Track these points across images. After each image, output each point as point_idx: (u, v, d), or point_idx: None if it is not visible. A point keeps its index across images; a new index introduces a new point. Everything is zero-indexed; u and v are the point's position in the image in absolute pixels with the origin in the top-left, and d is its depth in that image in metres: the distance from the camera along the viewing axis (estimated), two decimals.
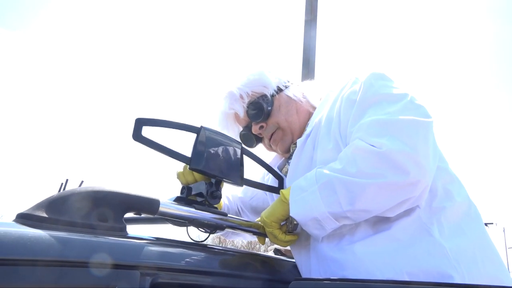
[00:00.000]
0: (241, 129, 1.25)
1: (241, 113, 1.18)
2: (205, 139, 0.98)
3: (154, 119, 0.94)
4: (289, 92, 1.22)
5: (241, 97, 1.17)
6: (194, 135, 0.99)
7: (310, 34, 4.05)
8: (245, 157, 1.07)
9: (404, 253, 0.94)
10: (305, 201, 0.96)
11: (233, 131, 1.25)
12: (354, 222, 0.97)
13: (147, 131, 0.92)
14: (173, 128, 0.97)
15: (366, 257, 0.96)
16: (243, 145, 1.09)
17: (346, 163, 0.94)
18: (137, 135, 0.90)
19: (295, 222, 1.00)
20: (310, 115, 1.23)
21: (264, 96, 1.19)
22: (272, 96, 1.19)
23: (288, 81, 1.25)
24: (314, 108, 1.24)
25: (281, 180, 1.15)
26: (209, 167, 0.96)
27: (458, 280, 0.90)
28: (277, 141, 1.22)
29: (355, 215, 0.93)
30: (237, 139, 1.18)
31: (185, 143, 1.00)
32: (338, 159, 0.98)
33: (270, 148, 1.27)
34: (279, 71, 1.24)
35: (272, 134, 1.22)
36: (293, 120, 1.20)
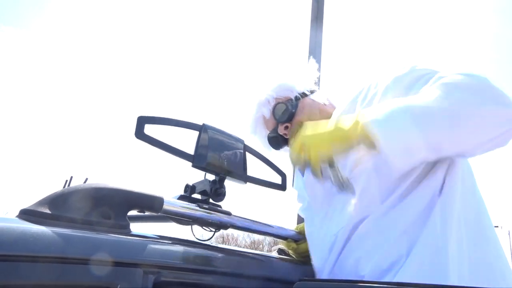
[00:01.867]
0: (268, 132, 1.29)
1: (268, 116, 1.24)
2: (208, 137, 0.98)
3: (156, 117, 0.94)
4: (313, 97, 1.26)
5: (268, 101, 1.24)
6: (197, 133, 0.98)
7: (315, 35, 4.04)
8: (248, 155, 1.07)
9: (404, 235, 0.92)
10: (395, 130, 0.81)
11: (261, 135, 1.29)
12: (440, 155, 0.88)
13: (150, 129, 0.92)
14: (175, 126, 0.96)
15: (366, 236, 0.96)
16: (246, 143, 1.10)
17: (439, 95, 0.84)
18: (140, 133, 0.90)
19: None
20: None
21: (289, 99, 1.24)
22: (297, 99, 1.24)
23: (313, 88, 1.29)
24: None
25: (284, 176, 1.16)
26: (212, 164, 0.96)
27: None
28: None
29: (451, 144, 0.84)
30: (264, 141, 1.25)
31: (188, 141, 1.00)
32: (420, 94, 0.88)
33: None
34: (305, 77, 1.29)
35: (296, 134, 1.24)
36: (316, 119, 1.21)
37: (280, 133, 1.24)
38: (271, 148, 1.28)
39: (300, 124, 1.21)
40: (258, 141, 1.30)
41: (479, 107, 0.82)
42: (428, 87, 0.89)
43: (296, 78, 1.26)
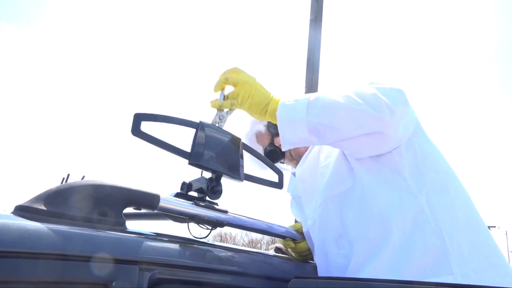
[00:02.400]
0: (264, 147, 1.35)
1: (263, 130, 1.32)
2: (204, 134, 0.97)
3: (153, 114, 0.93)
4: None
5: None
6: (193, 131, 0.98)
7: (314, 34, 4.04)
8: (245, 153, 1.07)
9: (393, 213, 1.02)
10: (292, 106, 1.02)
11: (259, 150, 1.34)
12: (320, 141, 1.03)
13: (147, 126, 0.92)
14: (172, 123, 0.96)
15: (360, 214, 1.07)
16: (243, 140, 1.10)
17: (337, 93, 1.02)
18: (136, 130, 0.90)
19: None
20: None
21: None
22: None
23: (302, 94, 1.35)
24: None
25: (280, 175, 1.16)
26: (209, 162, 0.96)
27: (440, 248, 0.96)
28: (296, 149, 1.33)
29: (324, 129, 1.00)
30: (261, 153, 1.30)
31: (184, 139, 0.99)
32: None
33: (292, 158, 1.36)
34: (292, 91, 1.33)
35: None
36: None
37: (277, 145, 1.29)
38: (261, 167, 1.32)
39: None
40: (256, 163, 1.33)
41: (359, 106, 0.98)
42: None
43: (284, 92, 1.30)
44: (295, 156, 1.34)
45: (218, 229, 1.04)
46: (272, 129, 1.31)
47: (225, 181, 1.05)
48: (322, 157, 1.22)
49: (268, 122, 1.30)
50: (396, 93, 1.03)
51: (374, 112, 0.97)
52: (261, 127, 1.31)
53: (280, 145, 1.26)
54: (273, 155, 1.32)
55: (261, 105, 1.05)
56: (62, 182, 1.03)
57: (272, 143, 1.32)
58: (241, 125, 1.34)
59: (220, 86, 1.08)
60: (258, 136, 1.34)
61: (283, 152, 1.31)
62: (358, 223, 1.08)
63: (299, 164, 1.29)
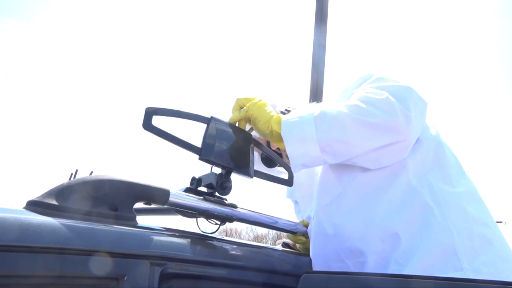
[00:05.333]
0: (260, 152, 1.30)
1: (257, 135, 1.25)
2: (215, 130, 0.97)
3: (164, 109, 0.93)
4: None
5: None
6: (204, 126, 0.98)
7: (319, 36, 4.01)
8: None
9: (397, 216, 0.96)
10: (298, 126, 0.96)
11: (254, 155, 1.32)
12: (335, 158, 0.97)
13: (157, 121, 0.91)
14: (182, 118, 0.96)
15: (357, 218, 1.00)
16: (253, 136, 1.09)
17: (343, 104, 0.97)
18: (147, 125, 0.89)
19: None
20: None
21: None
22: (283, 113, 1.24)
23: (293, 107, 1.31)
24: None
25: (290, 171, 1.15)
26: (219, 157, 0.95)
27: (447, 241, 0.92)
28: None
29: (337, 145, 0.94)
30: (259, 163, 1.26)
31: (195, 133, 0.99)
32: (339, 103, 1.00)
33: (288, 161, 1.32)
34: (285, 100, 1.31)
35: None
36: None
37: (273, 149, 1.25)
38: (266, 167, 1.29)
39: None
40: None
41: (372, 118, 0.91)
42: (351, 97, 1.01)
43: (276, 97, 1.28)
44: None
45: (224, 225, 1.03)
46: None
47: (234, 177, 1.05)
48: None
49: None
50: (407, 93, 0.96)
51: (390, 122, 0.91)
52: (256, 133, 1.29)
53: (277, 148, 1.24)
54: (269, 160, 1.28)
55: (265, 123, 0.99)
56: (70, 178, 1.03)
57: (268, 147, 1.26)
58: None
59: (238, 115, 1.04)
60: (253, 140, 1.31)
61: (280, 155, 1.26)
62: (358, 233, 1.00)
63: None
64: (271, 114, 1.01)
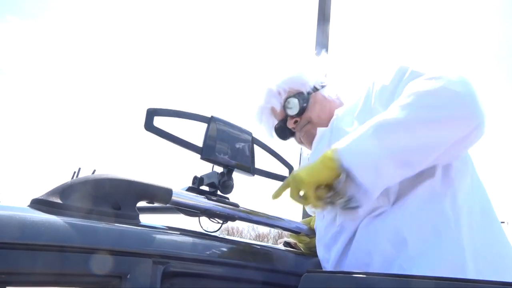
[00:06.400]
0: (275, 122, 1.27)
1: (278, 108, 1.22)
2: (216, 129, 0.98)
3: (165, 109, 0.94)
4: (324, 92, 1.25)
5: (279, 93, 1.21)
6: (205, 125, 0.98)
7: (322, 34, 4.01)
8: (256, 147, 1.07)
9: (409, 219, 0.91)
10: (358, 147, 0.84)
11: (268, 124, 1.28)
12: (413, 168, 0.87)
13: (158, 121, 0.92)
14: (183, 118, 0.97)
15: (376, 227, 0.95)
16: (253, 135, 1.10)
17: (402, 105, 0.85)
18: (149, 125, 0.90)
19: (343, 191, 0.85)
20: None
21: (301, 93, 1.22)
22: (309, 93, 1.23)
23: (324, 82, 1.27)
24: None
25: (291, 169, 1.16)
26: (221, 156, 0.96)
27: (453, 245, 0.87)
28: (307, 135, 1.25)
29: (417, 154, 0.84)
30: (270, 131, 1.25)
31: (195, 133, 1.00)
32: (392, 106, 0.88)
33: (300, 142, 1.30)
34: (317, 70, 1.26)
35: (302, 128, 1.25)
36: (325, 116, 1.22)
37: (289, 127, 1.24)
38: (277, 137, 1.28)
39: (310, 120, 1.22)
40: (263, 129, 1.29)
41: (437, 113, 0.82)
42: (399, 97, 0.90)
43: (310, 72, 1.24)
44: (305, 142, 1.27)
45: (225, 224, 1.04)
46: (289, 110, 1.20)
47: (236, 176, 1.05)
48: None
49: (286, 102, 1.19)
50: (457, 76, 0.85)
51: (459, 109, 0.82)
52: (277, 103, 1.21)
53: (292, 127, 1.21)
54: (281, 132, 1.26)
55: (325, 172, 0.85)
56: (73, 176, 1.04)
57: (284, 121, 1.23)
58: (254, 95, 1.26)
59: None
60: (273, 110, 1.25)
61: (293, 132, 1.25)
62: (370, 234, 0.96)
63: (311, 153, 1.22)
64: (315, 161, 0.88)
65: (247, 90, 1.30)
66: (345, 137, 0.89)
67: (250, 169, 1.03)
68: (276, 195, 0.93)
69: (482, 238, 0.91)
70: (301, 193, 0.88)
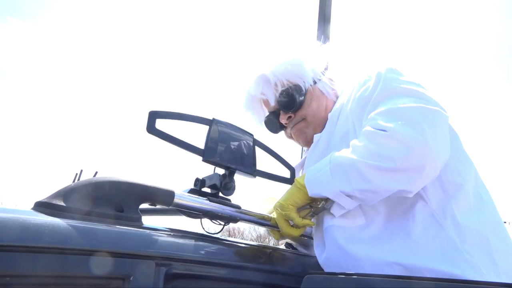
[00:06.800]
0: (266, 113, 1.23)
1: (272, 100, 1.17)
2: (217, 131, 0.98)
3: (167, 112, 0.94)
4: (321, 86, 1.21)
5: (276, 84, 1.16)
6: (207, 128, 0.99)
7: (322, 36, 4.01)
8: (257, 148, 1.07)
9: (416, 250, 0.93)
10: (318, 181, 0.97)
11: (258, 115, 1.24)
12: (366, 203, 0.96)
13: (160, 124, 0.92)
14: (185, 120, 0.97)
15: (374, 252, 0.96)
16: (255, 137, 1.10)
17: (356, 148, 0.94)
18: (151, 128, 0.91)
19: (323, 202, 1.00)
20: None
21: (298, 87, 1.17)
22: (306, 88, 1.18)
23: (323, 73, 1.22)
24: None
25: (292, 170, 1.16)
26: (222, 158, 0.97)
27: (472, 276, 0.87)
28: (299, 133, 1.22)
29: (363, 195, 0.93)
30: (260, 123, 1.23)
31: (197, 135, 1.00)
32: (350, 145, 0.97)
33: (290, 137, 1.27)
34: (316, 61, 1.20)
35: (295, 125, 1.22)
36: (320, 116, 1.20)
37: (282, 122, 1.20)
38: (266, 129, 1.25)
39: (304, 118, 1.20)
40: (251, 117, 1.25)
41: (388, 163, 0.88)
42: (355, 139, 0.97)
43: (309, 62, 1.18)
44: (296, 139, 1.25)
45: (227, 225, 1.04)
46: (284, 105, 1.17)
47: (238, 177, 1.06)
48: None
49: (281, 96, 1.16)
50: (418, 114, 0.90)
51: (407, 159, 0.87)
52: (271, 96, 1.16)
53: (285, 123, 1.20)
54: (272, 126, 1.23)
55: (301, 196, 1.00)
56: (75, 178, 1.05)
57: (275, 113, 1.20)
58: (247, 81, 1.20)
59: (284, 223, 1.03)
60: (265, 101, 1.20)
61: (284, 127, 1.23)
62: (371, 265, 0.96)
63: (307, 158, 1.20)
64: (290, 189, 1.02)
65: (242, 74, 1.24)
66: (313, 166, 1.01)
67: (251, 170, 1.04)
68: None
69: (490, 254, 0.93)
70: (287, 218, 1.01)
